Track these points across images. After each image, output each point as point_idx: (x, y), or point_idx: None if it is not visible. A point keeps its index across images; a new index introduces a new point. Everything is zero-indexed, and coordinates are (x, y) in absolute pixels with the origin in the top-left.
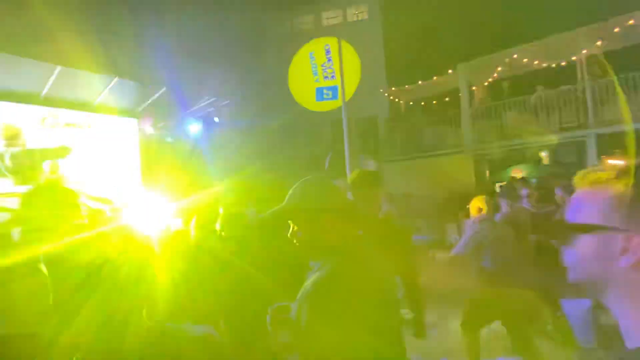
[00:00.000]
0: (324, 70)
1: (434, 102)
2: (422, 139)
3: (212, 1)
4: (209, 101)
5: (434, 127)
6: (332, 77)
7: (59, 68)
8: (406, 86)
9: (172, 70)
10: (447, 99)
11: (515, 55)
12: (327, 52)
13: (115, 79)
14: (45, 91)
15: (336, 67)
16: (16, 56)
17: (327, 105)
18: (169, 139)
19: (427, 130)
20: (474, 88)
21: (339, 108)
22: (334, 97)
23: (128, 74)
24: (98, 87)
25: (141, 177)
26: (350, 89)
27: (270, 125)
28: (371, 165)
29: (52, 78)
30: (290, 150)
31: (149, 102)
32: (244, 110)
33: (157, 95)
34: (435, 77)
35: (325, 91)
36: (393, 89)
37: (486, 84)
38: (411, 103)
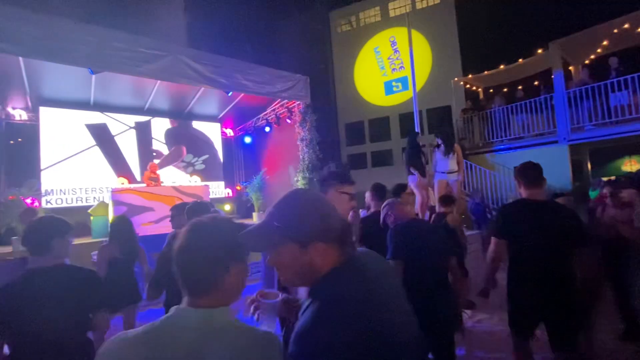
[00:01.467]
0: (391, 63)
1: (520, 87)
2: (505, 129)
3: (276, 3)
4: (281, 103)
5: (520, 114)
6: (401, 67)
7: (157, 83)
8: (485, 72)
9: (247, 76)
10: (536, 82)
11: (626, 25)
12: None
13: (201, 89)
14: (147, 105)
15: (404, 57)
16: (125, 75)
17: (397, 98)
18: (246, 139)
19: (511, 118)
20: (570, 68)
21: (410, 100)
22: (404, 88)
23: (212, 84)
24: (188, 97)
25: (223, 174)
26: (421, 78)
27: (341, 124)
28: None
29: (153, 92)
30: (360, 148)
31: (228, 108)
32: (316, 111)
33: (235, 101)
34: (520, 60)
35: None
36: (470, 76)
37: (587, 62)
38: (491, 90)
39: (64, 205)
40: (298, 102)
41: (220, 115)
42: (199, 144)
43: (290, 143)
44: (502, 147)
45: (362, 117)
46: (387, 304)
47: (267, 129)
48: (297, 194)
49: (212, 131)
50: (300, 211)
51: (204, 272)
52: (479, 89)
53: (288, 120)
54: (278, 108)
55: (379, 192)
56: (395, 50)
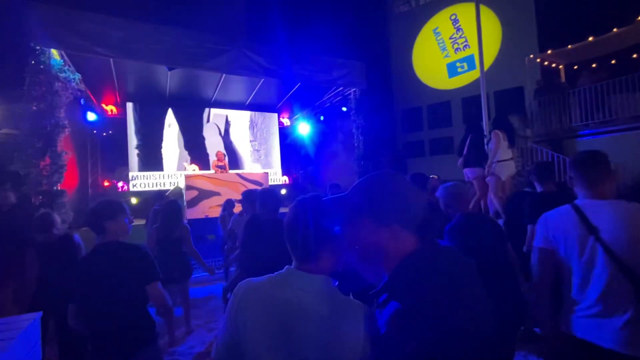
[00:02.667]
0: (454, 42)
1: (613, 61)
2: (593, 111)
3: None
4: (337, 91)
5: (614, 94)
6: (465, 46)
7: (223, 76)
8: (569, 46)
9: (304, 65)
10: (634, 55)
11: None
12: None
13: (262, 81)
14: (213, 97)
15: (468, 34)
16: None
17: (462, 80)
18: (301, 128)
19: (602, 99)
20: None
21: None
22: (471, 67)
23: (271, 74)
24: (249, 88)
25: (281, 162)
26: (489, 58)
27: (397, 110)
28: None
29: (219, 85)
30: (418, 135)
31: (286, 97)
32: (371, 98)
33: (292, 90)
34: (615, 29)
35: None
36: (549, 51)
37: None
38: (576, 67)
39: (147, 189)
40: (354, 89)
41: (278, 105)
42: (259, 133)
43: (345, 131)
44: (588, 132)
45: (421, 103)
46: (470, 302)
47: (322, 117)
48: (382, 174)
49: (270, 121)
50: (380, 190)
51: (309, 244)
52: (560, 66)
53: (344, 108)
54: (334, 96)
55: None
56: (458, 29)
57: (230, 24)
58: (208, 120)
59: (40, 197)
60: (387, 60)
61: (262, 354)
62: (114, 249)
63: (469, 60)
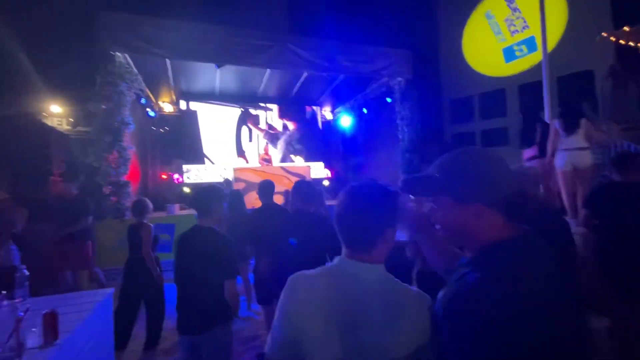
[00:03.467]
0: (510, 24)
1: None
2: None
3: None
4: (381, 82)
5: None
6: (524, 27)
7: (268, 72)
8: None
9: (347, 57)
10: None
11: None
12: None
13: (305, 74)
14: (261, 89)
15: (527, 14)
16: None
17: (521, 64)
18: (343, 121)
19: None
20: None
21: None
22: (531, 49)
23: (315, 68)
24: (292, 82)
25: (322, 155)
26: (553, 37)
27: (445, 100)
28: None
29: (264, 80)
30: (468, 126)
31: (329, 90)
32: (417, 88)
33: (335, 83)
34: None
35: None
36: (626, 28)
37: None
38: None
39: (198, 180)
40: (399, 79)
41: (320, 98)
42: (302, 126)
43: (389, 123)
44: None
45: (472, 92)
46: (550, 287)
47: (365, 110)
48: (467, 150)
49: (313, 114)
50: (462, 167)
51: (364, 233)
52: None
53: (388, 99)
54: (377, 87)
55: None
56: (514, 10)
57: (274, 19)
58: (254, 115)
59: (110, 187)
60: (434, 48)
61: (323, 347)
62: (211, 233)
63: (529, 42)
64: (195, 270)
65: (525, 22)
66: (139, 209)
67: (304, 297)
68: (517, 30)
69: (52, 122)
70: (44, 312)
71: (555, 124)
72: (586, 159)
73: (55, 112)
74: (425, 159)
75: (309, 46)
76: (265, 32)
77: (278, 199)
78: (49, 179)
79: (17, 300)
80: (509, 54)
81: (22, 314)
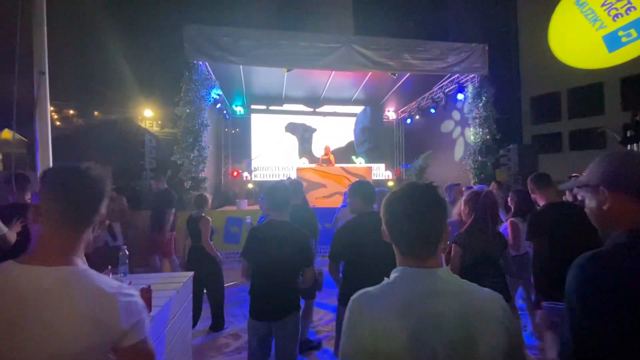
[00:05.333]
0: (609, 9)
1: None
2: None
3: None
4: (450, 79)
5: None
6: (629, 9)
7: (332, 74)
8: None
9: (415, 55)
10: None
11: None
12: None
13: (368, 75)
14: (323, 94)
15: None
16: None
17: (630, 52)
18: (407, 122)
19: None
20: None
21: None
22: None
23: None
24: (356, 84)
25: (384, 156)
26: None
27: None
28: None
29: (327, 85)
30: (552, 126)
31: (392, 91)
32: (493, 85)
33: (399, 83)
34: None
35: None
36: None
37: None
38: None
39: (265, 179)
40: (472, 75)
41: (384, 99)
42: (364, 127)
43: (459, 123)
44: None
45: (558, 87)
46: None
47: (432, 110)
48: (628, 151)
49: (375, 115)
50: (612, 160)
51: (430, 237)
52: None
53: (460, 96)
54: (447, 84)
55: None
56: None
57: (339, 21)
58: (315, 116)
59: (190, 182)
60: (512, 41)
61: None
62: (290, 227)
63: (637, 24)
64: (273, 261)
65: (630, 2)
66: (199, 202)
67: (375, 316)
68: (620, 14)
69: (145, 125)
70: (140, 287)
71: None
72: None
73: (147, 116)
74: (501, 162)
75: (373, 45)
76: (330, 34)
77: (337, 200)
78: (143, 174)
79: (119, 275)
80: (613, 42)
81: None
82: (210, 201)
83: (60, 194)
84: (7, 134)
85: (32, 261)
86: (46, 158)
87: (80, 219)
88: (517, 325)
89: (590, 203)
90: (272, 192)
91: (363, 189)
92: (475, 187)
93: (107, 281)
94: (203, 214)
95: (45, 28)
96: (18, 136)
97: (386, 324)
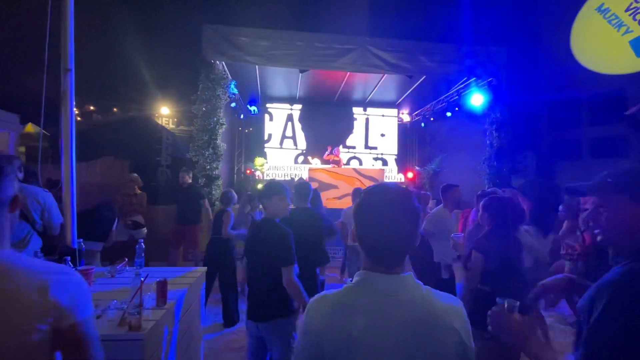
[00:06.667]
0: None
1: None
2: None
3: None
4: (466, 82)
5: None
6: None
7: (347, 76)
8: None
9: (432, 57)
10: None
11: None
12: None
13: (383, 77)
14: (336, 96)
15: None
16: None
17: None
18: (421, 124)
19: None
20: None
21: None
22: None
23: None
24: (370, 85)
25: (398, 160)
26: None
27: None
28: None
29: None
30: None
31: (406, 93)
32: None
33: (414, 85)
34: None
35: None
36: None
37: None
38: None
39: (277, 178)
40: (490, 79)
41: (398, 101)
42: (377, 129)
43: (474, 127)
44: None
45: (580, 91)
46: None
47: (449, 113)
48: None
49: (389, 117)
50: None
51: (400, 251)
52: None
53: (476, 99)
54: (463, 87)
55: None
56: None
57: (355, 22)
58: (330, 117)
59: (204, 179)
60: (531, 44)
61: None
62: (270, 225)
63: None
64: (258, 260)
65: None
66: (226, 199)
67: (335, 322)
68: None
69: (161, 122)
70: (157, 279)
71: None
72: None
73: (164, 113)
74: (517, 168)
75: (389, 47)
76: (346, 35)
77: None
78: (159, 170)
79: (136, 267)
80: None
81: (143, 278)
82: (236, 198)
83: None
84: (30, 127)
85: None
86: (69, 152)
87: None
88: (470, 338)
89: (609, 213)
90: (260, 192)
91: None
92: (505, 191)
93: (38, 262)
94: (228, 209)
95: (72, 26)
96: (38, 129)
97: (342, 328)
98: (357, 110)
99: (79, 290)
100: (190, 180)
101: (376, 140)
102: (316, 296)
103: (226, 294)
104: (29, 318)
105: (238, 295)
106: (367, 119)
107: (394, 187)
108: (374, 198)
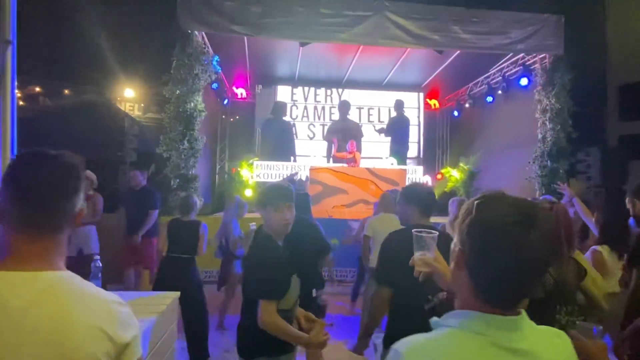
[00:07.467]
0: None
1: None
2: None
3: None
4: (511, 60)
5: None
6: None
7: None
8: None
9: (467, 27)
10: None
11: None
12: None
13: (406, 52)
14: (345, 76)
15: None
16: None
17: None
18: (454, 113)
19: None
20: None
21: None
22: None
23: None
24: (389, 64)
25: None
26: None
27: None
28: None
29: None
30: None
31: (435, 73)
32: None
33: (445, 63)
34: None
35: None
36: None
37: None
38: None
39: (269, 179)
40: (542, 56)
41: (425, 83)
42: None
43: (522, 116)
44: None
45: None
46: None
47: (490, 98)
48: None
49: (411, 103)
50: None
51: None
52: None
53: (524, 81)
54: (507, 67)
55: None
56: None
57: None
58: (337, 103)
59: (178, 180)
60: (597, 13)
61: None
62: (257, 240)
63: None
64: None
65: None
66: (186, 207)
67: None
68: None
69: (124, 108)
70: None
71: None
72: None
73: (128, 97)
74: (577, 170)
75: (415, 14)
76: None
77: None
78: (121, 168)
79: None
80: None
81: None
82: (198, 206)
83: (29, 187)
84: None
85: (7, 267)
86: (9, 144)
87: (55, 216)
88: None
89: None
90: (256, 196)
91: (418, 193)
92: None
93: (98, 289)
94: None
95: None
96: None
97: None
98: (372, 94)
99: (138, 328)
100: (144, 182)
101: (397, 132)
102: (408, 342)
103: (193, 329)
104: (98, 345)
105: (208, 328)
106: (386, 105)
107: (541, 204)
108: (515, 217)
